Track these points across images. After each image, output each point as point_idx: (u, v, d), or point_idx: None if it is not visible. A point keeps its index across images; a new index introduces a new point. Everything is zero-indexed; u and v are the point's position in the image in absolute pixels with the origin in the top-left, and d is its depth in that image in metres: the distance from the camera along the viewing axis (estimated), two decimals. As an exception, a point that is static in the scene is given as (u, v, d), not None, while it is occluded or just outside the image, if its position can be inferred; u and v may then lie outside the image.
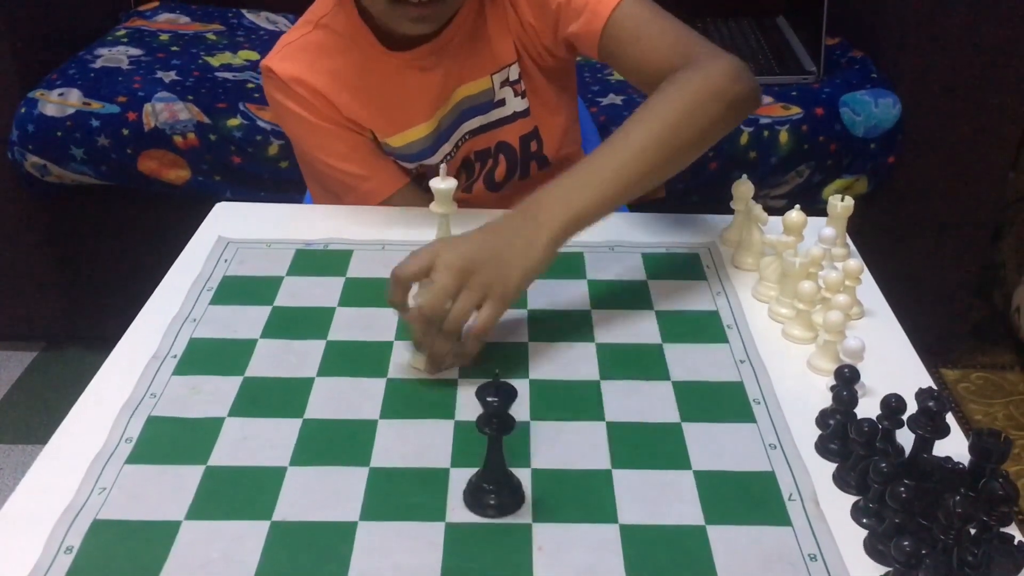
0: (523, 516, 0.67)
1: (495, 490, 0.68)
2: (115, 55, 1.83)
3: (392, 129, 1.09)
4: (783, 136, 1.68)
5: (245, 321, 0.89)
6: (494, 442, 0.67)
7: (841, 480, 0.71)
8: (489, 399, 0.65)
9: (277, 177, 1.69)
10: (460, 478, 0.70)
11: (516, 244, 0.80)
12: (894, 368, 0.83)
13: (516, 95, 1.09)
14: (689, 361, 0.84)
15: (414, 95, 1.07)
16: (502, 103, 1.09)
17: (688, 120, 0.88)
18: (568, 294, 0.94)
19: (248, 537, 0.65)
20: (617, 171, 0.85)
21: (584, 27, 0.99)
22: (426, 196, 0.98)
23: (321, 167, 1.11)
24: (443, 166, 0.94)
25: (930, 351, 1.88)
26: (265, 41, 1.97)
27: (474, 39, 1.06)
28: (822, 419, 0.77)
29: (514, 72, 1.08)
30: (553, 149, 1.15)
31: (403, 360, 0.83)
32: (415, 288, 0.82)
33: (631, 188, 0.86)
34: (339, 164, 1.09)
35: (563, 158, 1.17)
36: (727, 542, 0.65)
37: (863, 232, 1.09)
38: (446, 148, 1.11)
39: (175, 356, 0.84)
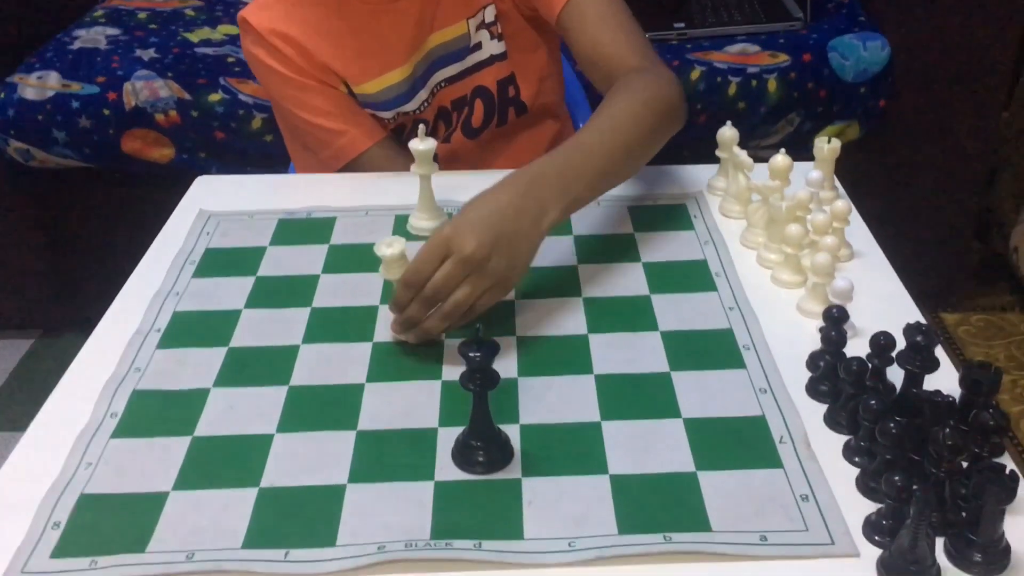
0: (512, 471, 0.67)
1: (483, 446, 0.67)
2: (93, 35, 1.81)
3: (368, 75, 1.08)
4: (771, 84, 1.66)
5: (229, 292, 0.88)
6: (479, 398, 0.66)
7: (832, 420, 0.70)
8: (471, 354, 0.64)
9: (262, 151, 1.68)
10: (448, 437, 0.69)
11: (523, 226, 0.78)
12: (885, 307, 0.83)
13: (493, 37, 1.08)
14: (678, 311, 0.83)
15: (389, 39, 1.06)
16: (478, 47, 1.09)
17: (653, 121, 0.91)
18: (554, 249, 0.93)
19: (237, 504, 0.65)
20: (605, 157, 0.86)
21: None
22: (403, 150, 0.97)
23: (297, 121, 1.10)
24: (421, 126, 0.93)
25: (929, 295, 1.86)
26: (244, 14, 1.94)
27: None
28: (812, 361, 0.76)
29: (490, 13, 1.07)
30: (531, 95, 1.14)
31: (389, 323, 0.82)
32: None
33: (614, 176, 0.89)
34: (314, 119, 1.09)
35: (541, 106, 1.16)
36: (718, 487, 0.65)
37: (858, 178, 1.07)
38: (422, 95, 1.11)
39: (159, 330, 0.83)
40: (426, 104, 1.11)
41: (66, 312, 1.92)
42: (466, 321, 0.78)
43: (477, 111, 1.13)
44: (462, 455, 0.67)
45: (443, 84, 1.11)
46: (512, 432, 0.70)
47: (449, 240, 0.75)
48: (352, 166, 1.10)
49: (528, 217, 0.78)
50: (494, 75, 1.11)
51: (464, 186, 1.04)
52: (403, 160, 0.97)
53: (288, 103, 1.09)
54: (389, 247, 0.78)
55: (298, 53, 1.06)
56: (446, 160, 1.16)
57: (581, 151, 0.85)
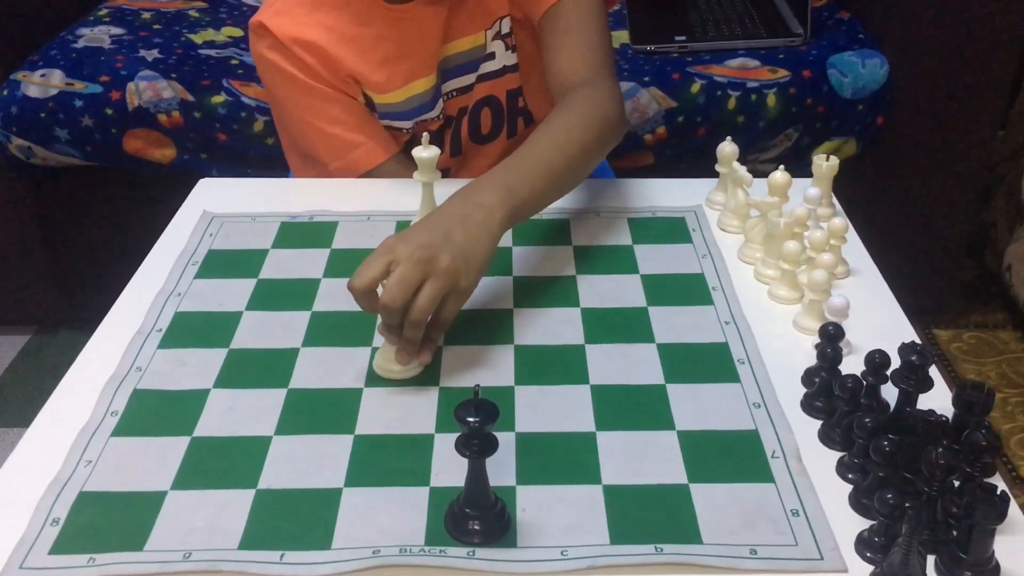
0: (507, 479, 0.67)
1: (479, 515, 0.62)
2: (97, 34, 1.81)
3: (393, 84, 1.07)
4: (771, 99, 1.67)
5: (230, 294, 0.89)
6: (476, 464, 0.61)
7: (826, 437, 0.71)
8: (469, 419, 0.60)
9: (263, 154, 1.68)
10: (444, 443, 0.70)
11: (470, 229, 0.78)
12: (880, 325, 0.83)
13: (508, 48, 1.09)
14: (674, 323, 0.84)
15: (413, 49, 1.05)
16: (491, 56, 1.09)
17: (586, 136, 0.93)
18: (553, 259, 0.94)
19: (233, 505, 0.65)
20: (545, 165, 0.88)
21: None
22: (412, 169, 0.97)
23: (310, 131, 1.08)
24: (425, 134, 0.94)
25: (922, 311, 1.88)
26: (248, 17, 1.95)
27: None
28: (807, 377, 0.77)
29: (506, 24, 1.08)
30: (537, 106, 1.14)
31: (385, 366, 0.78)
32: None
33: (557, 186, 0.91)
34: (330, 128, 1.07)
35: None
36: (709, 499, 0.65)
37: (853, 194, 1.08)
38: (440, 103, 1.10)
39: (160, 330, 0.83)
40: (442, 114, 1.11)
41: (63, 309, 1.92)
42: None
43: (485, 119, 1.13)
44: (456, 524, 0.63)
45: (453, 94, 1.10)
46: (508, 439, 0.70)
47: (393, 246, 0.75)
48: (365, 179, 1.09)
49: (474, 221, 0.78)
50: (504, 85, 1.11)
51: (465, 194, 1.05)
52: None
53: (303, 112, 1.07)
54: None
55: (320, 62, 1.03)
56: (457, 169, 1.17)
57: (521, 159, 0.88)
